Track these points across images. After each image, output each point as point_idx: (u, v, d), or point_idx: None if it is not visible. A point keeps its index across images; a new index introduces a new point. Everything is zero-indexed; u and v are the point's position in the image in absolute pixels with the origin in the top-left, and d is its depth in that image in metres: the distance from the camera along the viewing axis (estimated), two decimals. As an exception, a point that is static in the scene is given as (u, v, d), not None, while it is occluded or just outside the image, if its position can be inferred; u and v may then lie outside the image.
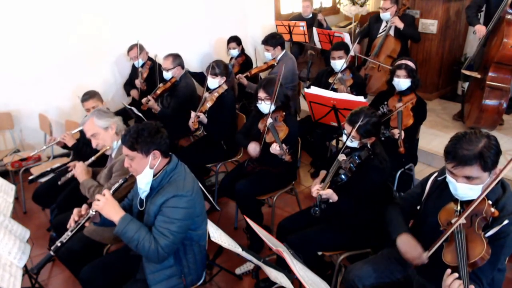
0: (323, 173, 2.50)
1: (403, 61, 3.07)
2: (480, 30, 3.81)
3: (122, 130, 2.46)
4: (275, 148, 2.68)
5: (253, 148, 2.90)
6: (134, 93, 4.36)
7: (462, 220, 1.63)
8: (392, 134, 2.87)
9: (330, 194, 2.13)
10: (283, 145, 2.66)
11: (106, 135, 2.43)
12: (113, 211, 1.86)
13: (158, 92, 3.84)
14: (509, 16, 3.57)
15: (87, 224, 1.93)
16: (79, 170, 2.49)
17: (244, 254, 1.90)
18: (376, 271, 1.99)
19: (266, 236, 1.91)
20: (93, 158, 2.52)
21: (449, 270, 1.56)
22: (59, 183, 2.55)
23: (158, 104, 3.83)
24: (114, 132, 2.44)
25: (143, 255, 1.89)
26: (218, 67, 3.35)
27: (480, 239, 1.58)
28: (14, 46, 3.89)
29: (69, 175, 2.52)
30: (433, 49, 4.83)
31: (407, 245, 1.82)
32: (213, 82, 3.38)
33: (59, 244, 1.87)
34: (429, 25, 4.75)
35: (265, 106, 2.88)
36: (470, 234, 1.62)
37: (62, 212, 2.74)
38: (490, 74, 3.70)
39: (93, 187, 2.42)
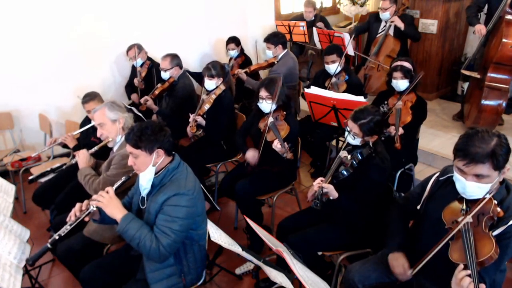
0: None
1: (399, 63, 3.09)
2: (479, 29, 3.80)
3: (130, 126, 2.48)
4: (276, 145, 2.68)
5: (252, 155, 2.92)
6: (134, 97, 4.36)
7: (469, 219, 1.62)
8: (389, 131, 2.88)
9: (331, 189, 2.13)
10: (285, 143, 2.67)
11: (112, 127, 2.45)
12: (115, 209, 1.87)
13: (156, 92, 3.84)
14: (508, 16, 3.56)
15: (86, 219, 1.93)
16: (82, 156, 2.55)
17: (244, 254, 1.90)
18: (376, 271, 1.99)
19: (266, 236, 1.91)
20: (96, 148, 2.58)
21: (461, 265, 1.55)
22: (63, 167, 2.65)
23: (157, 104, 3.84)
24: (121, 127, 2.46)
25: (145, 254, 1.89)
26: (214, 69, 3.36)
27: (488, 238, 1.58)
28: (14, 46, 3.89)
29: (73, 161, 2.61)
30: (433, 49, 4.83)
31: (396, 262, 1.88)
32: (210, 83, 3.38)
33: (56, 237, 1.87)
34: (429, 25, 4.75)
35: (266, 105, 2.88)
36: (477, 233, 1.61)
37: (61, 212, 2.74)
38: (489, 74, 3.69)
39: (88, 176, 2.46)
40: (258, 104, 2.93)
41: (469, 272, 1.52)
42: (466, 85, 4.44)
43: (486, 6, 3.95)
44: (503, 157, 1.59)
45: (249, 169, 3.05)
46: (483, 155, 1.57)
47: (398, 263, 1.87)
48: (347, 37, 4.33)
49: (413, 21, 4.38)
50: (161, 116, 3.71)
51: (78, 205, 1.94)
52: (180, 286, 2.02)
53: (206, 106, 3.37)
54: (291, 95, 4.07)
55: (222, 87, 3.40)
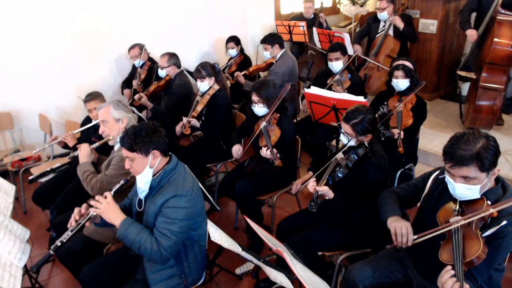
0: (309, 173, 2.58)
1: (400, 62, 3.09)
2: (471, 34, 3.82)
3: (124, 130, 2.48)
4: (265, 153, 2.71)
5: (236, 150, 3.03)
6: (126, 92, 4.38)
7: (461, 221, 1.63)
8: (392, 134, 2.89)
9: (326, 191, 2.13)
10: (274, 150, 2.68)
11: (114, 126, 2.46)
12: (113, 215, 1.87)
13: (151, 89, 3.85)
14: (500, 16, 3.56)
15: (87, 224, 1.93)
16: (83, 151, 2.57)
17: (244, 254, 1.90)
18: (376, 271, 1.99)
19: (266, 236, 1.92)
20: (97, 143, 2.60)
21: (449, 267, 1.56)
22: (67, 158, 2.69)
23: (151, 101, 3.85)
24: (124, 127, 2.46)
25: (146, 257, 1.89)
26: (204, 69, 3.36)
27: (477, 238, 1.58)
28: (14, 46, 3.89)
29: (75, 153, 2.64)
30: (433, 49, 4.83)
31: (398, 223, 1.83)
32: (203, 85, 3.39)
33: (59, 244, 1.87)
34: (429, 25, 4.75)
35: (258, 109, 2.88)
36: (467, 233, 1.62)
37: (61, 213, 2.74)
38: (483, 74, 3.68)
39: (87, 172, 2.47)
40: (252, 107, 2.93)
41: (453, 272, 1.52)
42: (464, 86, 4.44)
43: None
44: (489, 159, 1.59)
45: (249, 168, 3.05)
46: (468, 158, 1.59)
47: (400, 223, 1.82)
48: (347, 37, 4.33)
49: (411, 21, 4.39)
50: (156, 114, 3.70)
51: (76, 209, 1.94)
52: (181, 287, 2.02)
53: (199, 108, 3.38)
54: (291, 95, 4.10)
55: (216, 87, 3.40)
